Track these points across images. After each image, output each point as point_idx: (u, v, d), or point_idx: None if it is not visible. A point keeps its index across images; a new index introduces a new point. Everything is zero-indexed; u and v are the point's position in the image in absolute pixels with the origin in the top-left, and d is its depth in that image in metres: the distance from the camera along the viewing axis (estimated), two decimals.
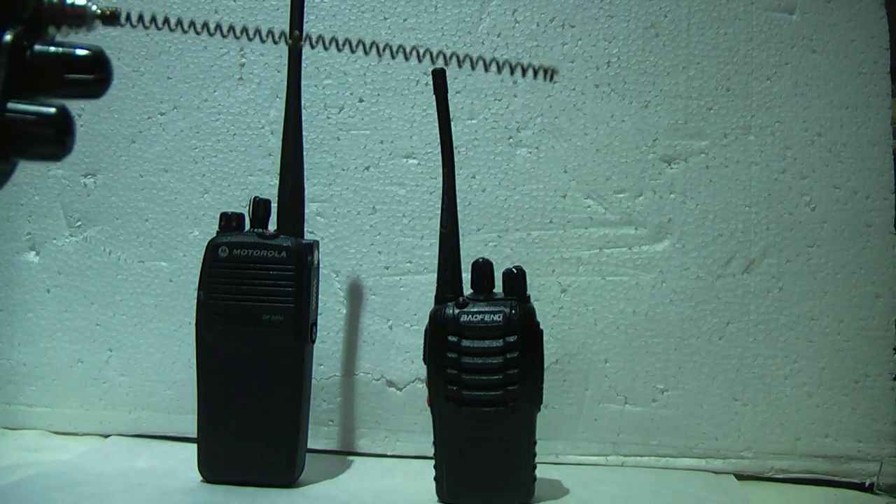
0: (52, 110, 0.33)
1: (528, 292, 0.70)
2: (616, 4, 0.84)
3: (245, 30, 0.39)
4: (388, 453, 0.83)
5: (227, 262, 0.72)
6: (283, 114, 0.76)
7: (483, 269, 0.70)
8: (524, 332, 0.68)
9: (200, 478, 0.73)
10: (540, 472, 0.70)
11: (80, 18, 0.36)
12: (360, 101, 0.86)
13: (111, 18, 0.37)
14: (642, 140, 0.83)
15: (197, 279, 0.73)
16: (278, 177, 0.76)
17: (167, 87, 0.87)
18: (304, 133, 0.76)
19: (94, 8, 0.36)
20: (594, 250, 0.83)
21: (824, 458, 0.80)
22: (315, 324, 0.74)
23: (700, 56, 0.83)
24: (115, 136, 0.88)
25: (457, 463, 0.69)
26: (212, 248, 0.72)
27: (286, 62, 0.76)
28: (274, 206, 0.75)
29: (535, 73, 0.39)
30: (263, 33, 0.39)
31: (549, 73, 0.39)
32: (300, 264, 0.72)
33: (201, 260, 0.73)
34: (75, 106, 0.97)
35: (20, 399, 0.88)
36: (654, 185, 0.83)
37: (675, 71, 0.83)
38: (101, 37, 0.91)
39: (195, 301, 0.72)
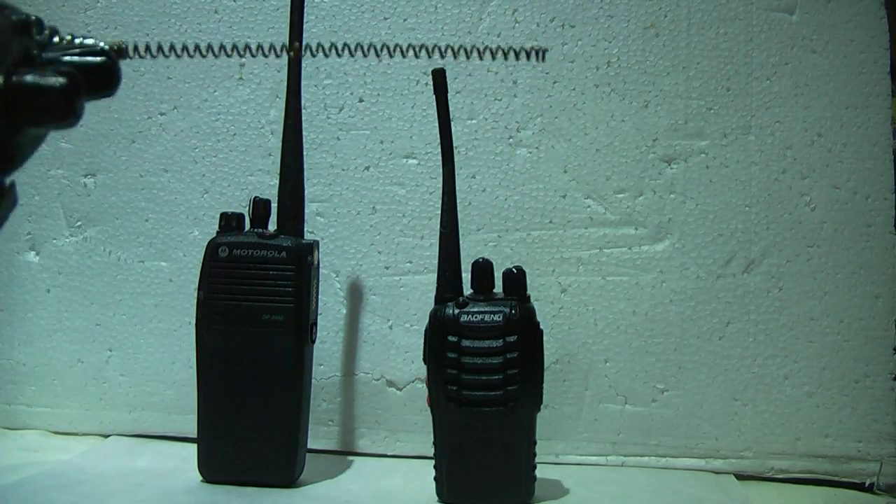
0: (62, 80, 0.33)
1: (528, 292, 0.70)
2: (616, 4, 0.84)
3: (247, 47, 0.39)
4: (388, 453, 0.83)
5: (227, 262, 0.72)
6: (283, 114, 0.76)
7: (483, 269, 0.70)
8: (524, 332, 0.68)
9: (200, 478, 0.73)
10: (540, 472, 0.70)
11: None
12: (360, 101, 0.86)
13: (119, 54, 0.37)
14: (642, 140, 0.83)
15: (197, 279, 0.73)
16: (278, 177, 0.76)
17: (167, 87, 0.87)
18: (304, 133, 0.76)
19: (102, 45, 0.36)
20: (594, 250, 0.83)
21: (824, 458, 0.80)
22: (315, 324, 0.74)
23: (700, 56, 0.83)
24: (115, 136, 0.88)
25: (457, 463, 0.69)
26: (212, 248, 0.72)
27: (286, 63, 0.76)
28: (274, 206, 0.75)
29: (528, 55, 0.39)
30: (265, 48, 0.39)
31: (541, 53, 0.39)
32: (300, 264, 0.72)
33: (201, 260, 0.73)
34: None
35: (20, 399, 0.88)
36: (654, 185, 0.83)
37: (675, 71, 0.83)
38: (100, 36, 0.91)
39: (195, 301, 0.72)
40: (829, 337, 0.81)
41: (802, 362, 0.81)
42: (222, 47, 0.40)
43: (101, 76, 0.35)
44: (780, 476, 0.80)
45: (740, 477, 0.80)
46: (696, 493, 0.75)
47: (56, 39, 0.35)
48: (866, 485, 0.79)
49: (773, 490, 0.79)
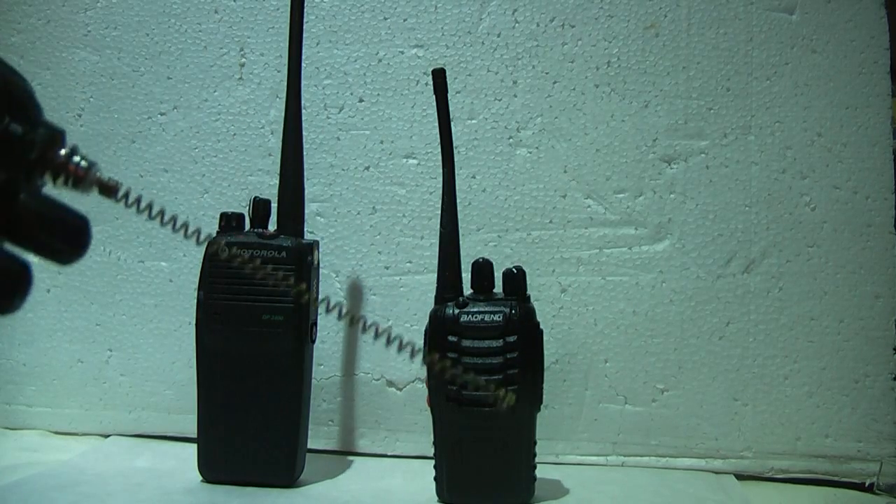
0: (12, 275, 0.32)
1: (528, 292, 0.70)
2: (616, 4, 0.84)
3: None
4: (388, 453, 0.83)
5: (227, 262, 0.72)
6: (283, 114, 0.76)
7: (483, 269, 0.70)
8: (524, 332, 0.68)
9: (200, 478, 0.73)
10: (540, 472, 0.70)
11: (80, 181, 0.35)
12: (360, 101, 0.86)
13: (109, 191, 0.36)
14: (642, 140, 0.83)
15: (197, 279, 0.73)
16: (278, 177, 0.75)
17: (167, 87, 0.87)
18: (304, 133, 0.76)
19: (97, 174, 0.35)
20: (594, 250, 0.83)
21: (824, 458, 0.80)
22: (315, 324, 0.74)
23: (700, 56, 0.83)
24: (115, 136, 0.88)
25: (457, 463, 0.69)
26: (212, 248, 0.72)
27: (286, 62, 0.76)
28: (274, 206, 0.75)
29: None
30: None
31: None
32: (300, 264, 0.72)
33: (201, 260, 0.73)
34: (75, 106, 0.97)
35: (20, 399, 0.88)
36: (654, 185, 0.83)
37: (675, 71, 0.83)
38: (100, 36, 0.91)
39: (195, 301, 0.72)
40: (829, 337, 0.81)
41: (802, 362, 0.81)
42: (197, 232, 0.40)
43: (64, 256, 0.35)
44: (780, 476, 0.80)
45: (740, 477, 0.80)
46: (696, 493, 0.75)
47: (52, 154, 0.34)
48: (866, 485, 0.79)
49: (773, 490, 0.79)
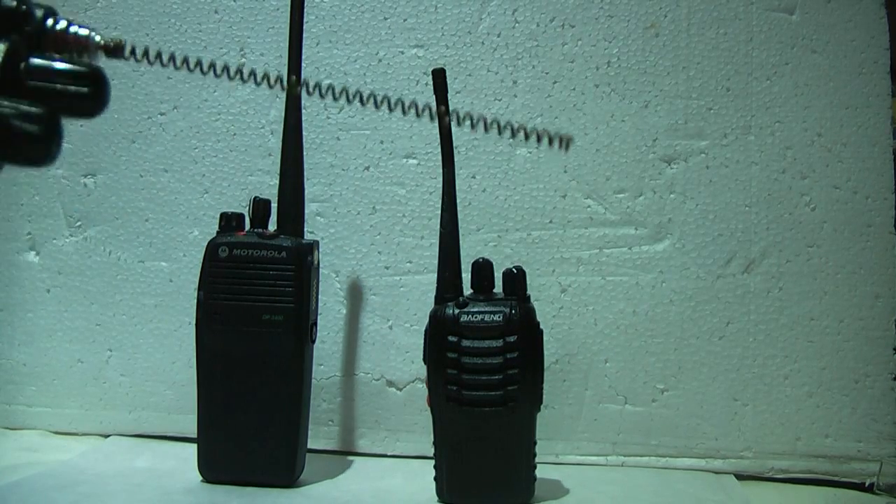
0: (35, 128, 0.31)
1: (528, 292, 0.70)
2: (616, 4, 0.84)
3: (253, 72, 0.38)
4: (388, 453, 0.83)
5: (227, 262, 0.72)
6: (283, 114, 0.76)
7: (483, 269, 0.70)
8: (524, 332, 0.68)
9: (200, 478, 0.73)
10: (540, 472, 0.70)
11: (84, 48, 0.35)
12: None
13: (115, 51, 0.35)
14: (642, 140, 0.83)
15: (197, 279, 0.73)
16: (278, 177, 0.75)
17: (167, 87, 0.87)
18: (304, 133, 0.76)
19: (97, 39, 0.35)
20: (594, 250, 0.83)
21: (824, 458, 0.80)
22: (315, 324, 0.74)
23: (700, 56, 0.83)
24: (115, 136, 0.88)
25: (457, 463, 0.69)
26: (212, 248, 0.72)
27: (286, 62, 0.76)
28: (274, 206, 0.75)
29: (551, 142, 0.38)
30: (259, 76, 0.38)
31: (565, 142, 0.38)
32: (300, 264, 0.72)
33: (201, 260, 0.73)
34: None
35: (20, 399, 0.88)
36: (654, 185, 0.83)
37: (675, 71, 0.83)
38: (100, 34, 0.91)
39: (195, 301, 0.72)
40: (829, 337, 0.81)
41: (802, 362, 0.81)
42: (226, 67, 0.39)
43: (86, 105, 0.34)
44: (780, 476, 0.80)
45: (740, 477, 0.80)
46: (696, 493, 0.75)
47: (49, 23, 0.33)
48: (866, 485, 0.79)
49: (773, 490, 0.79)
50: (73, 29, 0.34)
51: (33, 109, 0.31)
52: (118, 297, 0.87)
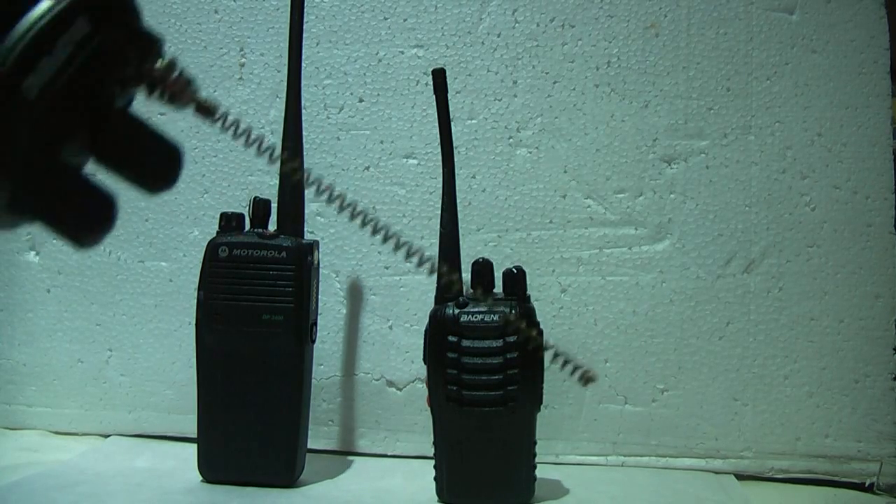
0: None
1: (528, 292, 0.70)
2: (616, 4, 0.84)
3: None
4: (388, 453, 0.83)
5: (227, 262, 0.72)
6: (283, 114, 0.76)
7: (483, 269, 0.70)
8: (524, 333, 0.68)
9: (200, 478, 0.73)
10: (540, 472, 0.70)
11: (176, 96, 0.32)
12: (360, 101, 0.86)
13: (206, 111, 0.33)
14: (642, 140, 0.83)
15: (197, 279, 0.73)
16: (278, 177, 0.75)
17: None
18: (304, 133, 0.76)
19: (196, 91, 0.32)
20: (594, 250, 0.83)
21: (824, 458, 0.80)
22: (315, 324, 0.74)
23: (700, 56, 0.83)
24: None
25: (457, 463, 0.69)
26: (212, 248, 0.72)
27: (286, 62, 0.76)
28: (274, 206, 0.75)
29: (573, 372, 0.38)
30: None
31: (587, 380, 0.38)
32: (300, 264, 0.72)
33: (201, 260, 0.73)
34: None
35: (20, 399, 0.88)
36: (654, 185, 0.83)
37: (675, 71, 0.83)
38: None
39: (195, 301, 0.72)
40: (829, 337, 0.81)
41: (802, 362, 0.81)
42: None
43: (157, 180, 0.31)
44: (780, 476, 0.80)
45: (740, 477, 0.80)
46: (696, 493, 0.75)
47: (162, 64, 0.31)
48: (866, 485, 0.79)
49: (773, 490, 0.79)
50: (174, 74, 0.32)
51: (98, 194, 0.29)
52: (118, 297, 0.87)
